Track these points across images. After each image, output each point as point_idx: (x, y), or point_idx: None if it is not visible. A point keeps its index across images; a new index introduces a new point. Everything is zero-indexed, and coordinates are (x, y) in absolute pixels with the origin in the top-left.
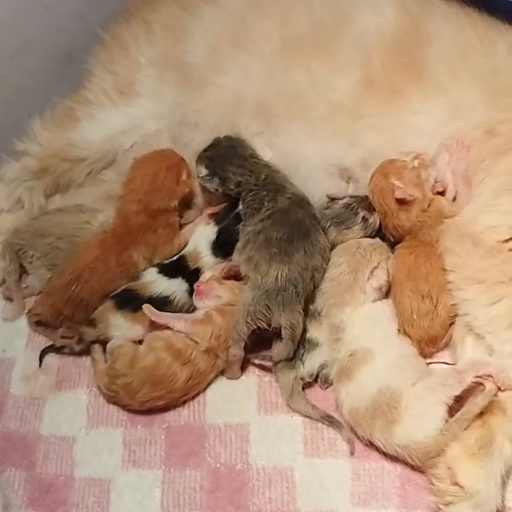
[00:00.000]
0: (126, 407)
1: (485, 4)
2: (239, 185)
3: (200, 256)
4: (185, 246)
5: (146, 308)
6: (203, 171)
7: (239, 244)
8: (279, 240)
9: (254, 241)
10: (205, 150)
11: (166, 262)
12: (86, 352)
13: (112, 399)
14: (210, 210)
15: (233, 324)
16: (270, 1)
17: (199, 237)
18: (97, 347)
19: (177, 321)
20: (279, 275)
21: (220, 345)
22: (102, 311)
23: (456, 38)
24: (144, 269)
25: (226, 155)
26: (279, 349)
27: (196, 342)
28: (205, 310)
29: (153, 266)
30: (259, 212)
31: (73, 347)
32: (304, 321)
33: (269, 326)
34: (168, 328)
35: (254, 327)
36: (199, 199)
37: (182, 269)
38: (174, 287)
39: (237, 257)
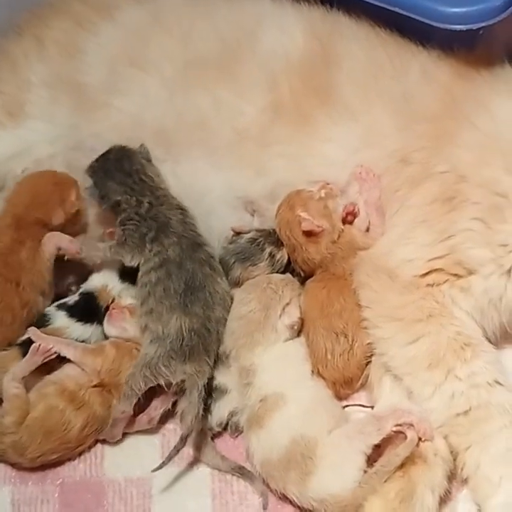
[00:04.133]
0: (15, 466)
1: (396, 24)
2: (118, 205)
3: (109, 290)
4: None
5: (31, 330)
6: (88, 183)
7: (139, 296)
8: (176, 291)
9: (154, 293)
10: (95, 159)
11: (71, 302)
12: None
13: None
14: (109, 229)
15: (127, 378)
16: (172, 17)
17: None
18: None
19: (65, 347)
20: (182, 325)
21: (111, 381)
22: (3, 359)
23: (367, 60)
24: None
25: (109, 168)
26: (185, 406)
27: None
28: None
29: (58, 308)
30: (143, 253)
31: None
32: (212, 374)
33: (169, 385)
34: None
35: (154, 383)
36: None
37: (94, 311)
38: (89, 332)
39: (139, 309)
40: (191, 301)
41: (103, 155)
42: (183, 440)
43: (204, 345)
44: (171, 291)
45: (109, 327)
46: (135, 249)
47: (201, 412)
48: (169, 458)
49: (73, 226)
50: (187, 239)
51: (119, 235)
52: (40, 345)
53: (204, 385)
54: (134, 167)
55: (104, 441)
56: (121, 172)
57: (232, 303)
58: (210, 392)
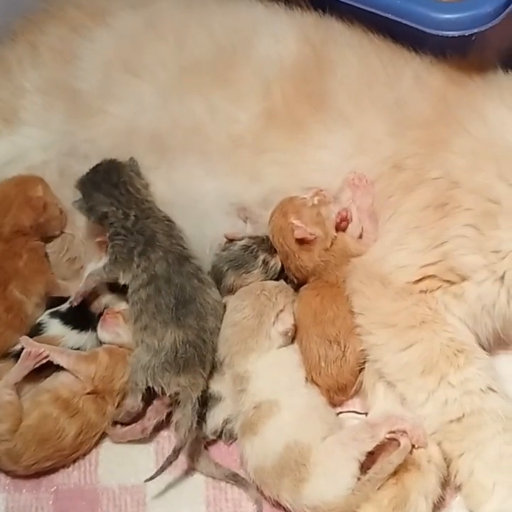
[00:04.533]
0: (9, 473)
1: (389, 30)
2: (105, 218)
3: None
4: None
5: (23, 339)
6: (77, 196)
7: (131, 313)
8: (168, 306)
9: (146, 310)
10: (86, 173)
11: (63, 309)
12: None
13: None
14: (99, 238)
15: (130, 377)
16: (167, 23)
17: None
18: None
19: (58, 355)
20: (176, 338)
21: (105, 388)
22: None
23: (360, 66)
24: (32, 313)
25: (97, 180)
26: (179, 418)
27: (80, 380)
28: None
29: (51, 316)
30: (131, 268)
31: None
32: (206, 386)
33: (164, 394)
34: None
35: (151, 384)
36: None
37: (88, 318)
38: (84, 339)
39: (132, 327)
40: (183, 314)
41: (93, 168)
42: (177, 452)
43: (199, 357)
44: (162, 307)
45: (103, 332)
46: (125, 264)
47: (195, 423)
48: (162, 469)
49: (50, 224)
50: (173, 253)
51: (109, 252)
52: (31, 350)
53: (198, 397)
54: (122, 179)
55: (100, 442)
56: (109, 183)
57: (224, 312)
58: (205, 401)
